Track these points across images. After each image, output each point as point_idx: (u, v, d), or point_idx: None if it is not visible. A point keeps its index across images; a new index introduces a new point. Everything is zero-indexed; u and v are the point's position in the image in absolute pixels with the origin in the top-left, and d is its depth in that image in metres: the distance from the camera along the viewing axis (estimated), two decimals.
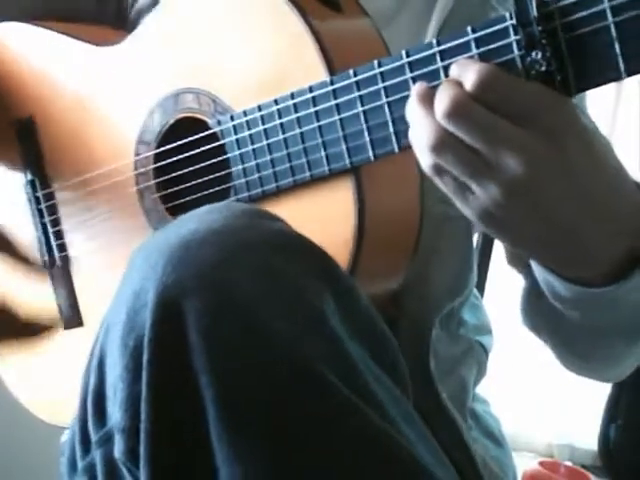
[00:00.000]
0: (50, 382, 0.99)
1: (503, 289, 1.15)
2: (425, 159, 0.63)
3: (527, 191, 0.61)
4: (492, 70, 0.60)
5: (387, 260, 0.78)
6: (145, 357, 0.58)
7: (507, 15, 0.60)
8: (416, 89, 0.64)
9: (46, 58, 0.99)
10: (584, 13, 0.56)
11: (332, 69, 0.72)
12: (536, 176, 0.61)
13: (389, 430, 0.60)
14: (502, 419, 1.05)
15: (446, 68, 0.63)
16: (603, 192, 0.65)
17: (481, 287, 1.26)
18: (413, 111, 0.64)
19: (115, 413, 0.61)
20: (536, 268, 0.72)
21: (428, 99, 0.63)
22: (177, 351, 0.58)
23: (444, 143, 0.61)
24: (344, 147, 0.71)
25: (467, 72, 0.61)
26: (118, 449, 0.61)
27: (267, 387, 0.58)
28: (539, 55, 0.58)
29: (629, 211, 0.67)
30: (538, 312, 0.81)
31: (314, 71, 0.73)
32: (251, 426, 0.57)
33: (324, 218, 0.74)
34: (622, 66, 0.55)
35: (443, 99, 0.61)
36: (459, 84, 0.61)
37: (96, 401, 0.63)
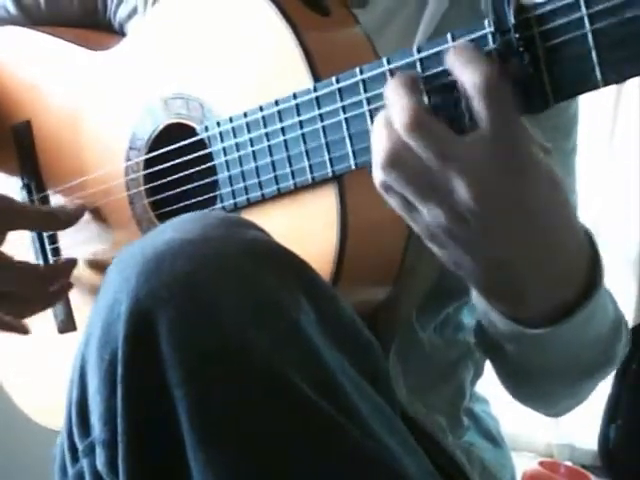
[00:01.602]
0: (44, 386, 0.99)
1: None
2: (376, 175, 0.62)
3: (472, 219, 0.60)
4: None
5: (372, 271, 0.76)
6: (119, 371, 0.58)
7: (486, 22, 0.59)
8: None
9: (43, 62, 0.99)
10: (561, 21, 0.55)
11: (317, 75, 0.71)
12: (484, 209, 0.59)
13: (369, 444, 0.59)
14: (502, 419, 1.04)
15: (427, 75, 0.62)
16: (552, 236, 0.63)
17: None
18: (375, 121, 0.62)
19: (96, 425, 0.61)
20: (474, 293, 0.71)
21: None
22: (150, 365, 0.58)
23: (394, 162, 0.60)
24: (326, 155, 0.70)
25: (471, 72, 0.58)
26: (100, 461, 0.61)
27: (240, 402, 0.57)
28: (516, 63, 0.57)
29: (570, 258, 0.66)
30: (482, 342, 0.81)
31: (299, 77, 0.72)
32: (225, 442, 0.57)
33: (308, 226, 0.74)
34: (599, 75, 0.54)
35: (404, 109, 0.59)
36: (417, 96, 0.60)
37: (79, 411, 0.63)
